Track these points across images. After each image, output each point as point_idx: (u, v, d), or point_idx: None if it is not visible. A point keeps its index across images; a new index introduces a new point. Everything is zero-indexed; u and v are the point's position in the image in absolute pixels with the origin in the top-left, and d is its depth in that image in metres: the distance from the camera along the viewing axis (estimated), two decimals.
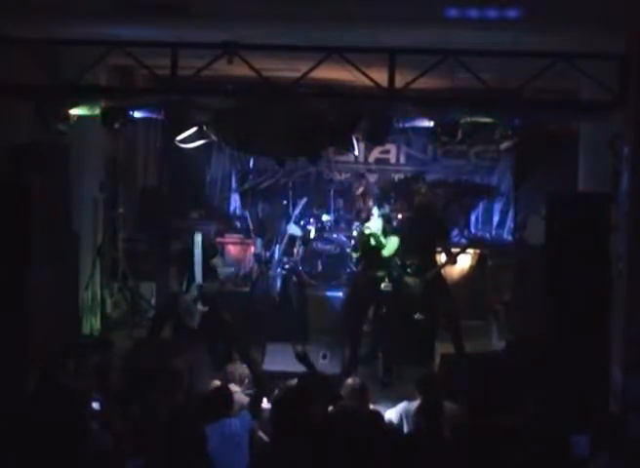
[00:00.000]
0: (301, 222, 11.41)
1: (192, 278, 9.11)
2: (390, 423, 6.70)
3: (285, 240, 10.38)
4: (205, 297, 9.05)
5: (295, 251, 11.17)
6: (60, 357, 7.89)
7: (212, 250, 9.34)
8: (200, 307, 9.04)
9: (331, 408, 6.73)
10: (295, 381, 7.07)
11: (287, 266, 10.80)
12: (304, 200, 11.22)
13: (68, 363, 7.86)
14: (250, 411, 6.66)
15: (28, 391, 7.11)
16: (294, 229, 10.46)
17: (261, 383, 7.98)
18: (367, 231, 9.43)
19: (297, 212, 10.91)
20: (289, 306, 10.38)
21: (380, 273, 9.43)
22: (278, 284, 10.55)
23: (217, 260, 9.40)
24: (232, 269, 11.52)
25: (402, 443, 6.16)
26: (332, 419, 6.41)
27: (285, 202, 11.68)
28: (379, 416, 6.41)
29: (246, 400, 7.03)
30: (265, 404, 7.09)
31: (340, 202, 12.19)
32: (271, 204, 11.68)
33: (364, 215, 10.02)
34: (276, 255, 10.55)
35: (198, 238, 9.10)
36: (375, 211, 9.70)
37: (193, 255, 9.07)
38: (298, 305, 10.46)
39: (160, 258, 10.31)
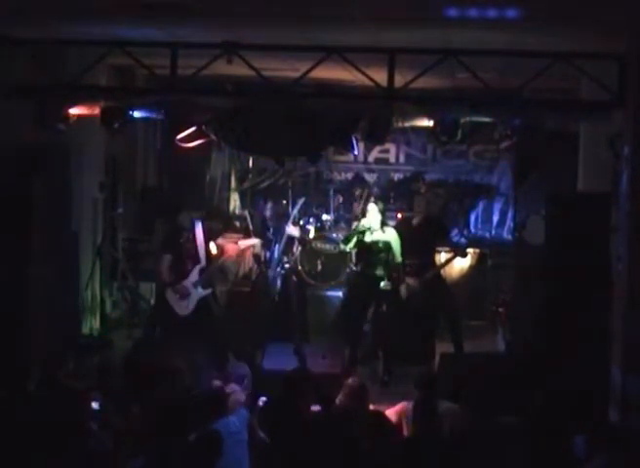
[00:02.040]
0: (301, 222, 11.40)
1: (191, 263, 9.06)
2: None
3: (283, 240, 10.37)
4: (206, 282, 9.03)
5: (294, 250, 11.16)
6: (59, 357, 7.90)
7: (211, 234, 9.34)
8: (200, 291, 9.01)
9: (318, 407, 6.73)
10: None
11: (286, 266, 10.78)
12: (302, 200, 11.23)
13: (68, 363, 7.86)
14: (247, 409, 6.67)
15: (29, 391, 7.11)
16: (291, 229, 10.45)
17: (258, 382, 7.99)
18: (363, 227, 9.46)
19: (295, 211, 10.91)
20: (288, 306, 10.36)
21: (379, 272, 9.43)
22: (278, 284, 10.54)
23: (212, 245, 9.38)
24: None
25: (403, 442, 6.17)
26: (332, 419, 6.42)
27: (285, 202, 11.68)
28: (381, 416, 6.42)
29: (243, 398, 7.04)
30: (260, 402, 7.11)
31: (340, 202, 12.19)
32: (273, 203, 11.66)
33: (361, 213, 10.05)
34: (275, 255, 10.54)
35: (198, 224, 9.10)
36: (371, 206, 9.70)
37: (194, 240, 9.04)
38: (297, 305, 10.45)
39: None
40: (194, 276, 9.02)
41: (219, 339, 9.26)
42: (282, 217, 10.43)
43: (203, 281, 9.03)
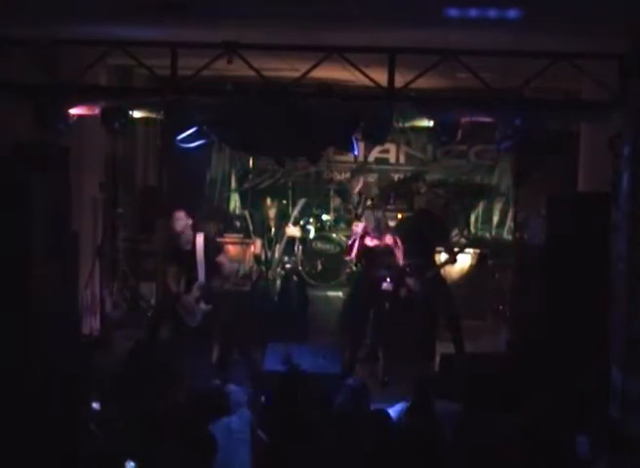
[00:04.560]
0: (301, 223, 11.39)
1: (193, 277, 9.08)
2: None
3: (284, 240, 10.38)
4: (209, 297, 9.03)
5: (294, 251, 11.16)
6: (60, 357, 7.90)
7: (215, 248, 9.32)
8: (203, 306, 9.03)
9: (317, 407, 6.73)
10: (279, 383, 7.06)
11: (287, 266, 10.77)
12: (303, 201, 11.22)
13: (68, 363, 7.86)
14: (249, 409, 6.67)
15: (28, 391, 7.11)
16: (292, 230, 10.46)
17: (259, 382, 7.99)
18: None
19: (295, 212, 10.91)
20: (289, 306, 10.37)
21: (380, 273, 9.42)
22: (278, 284, 10.54)
23: (221, 257, 9.39)
24: (237, 265, 11.51)
25: (403, 442, 6.16)
26: (332, 419, 6.42)
27: (285, 202, 11.68)
28: (383, 416, 6.41)
29: (244, 398, 7.04)
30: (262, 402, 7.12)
31: (340, 202, 12.20)
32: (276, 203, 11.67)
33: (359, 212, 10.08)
34: (276, 256, 10.55)
35: (200, 238, 9.09)
36: (367, 214, 9.70)
37: (194, 255, 9.04)
38: (298, 305, 10.45)
39: (160, 258, 10.30)
40: (195, 292, 9.02)
41: (221, 340, 9.30)
42: (283, 218, 10.43)
43: (204, 296, 9.04)
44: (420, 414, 6.39)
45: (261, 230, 10.42)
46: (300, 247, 11.17)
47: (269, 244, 10.41)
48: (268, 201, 10.47)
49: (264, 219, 10.39)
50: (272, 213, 10.28)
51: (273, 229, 10.27)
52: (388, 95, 7.72)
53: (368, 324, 9.90)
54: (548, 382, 7.60)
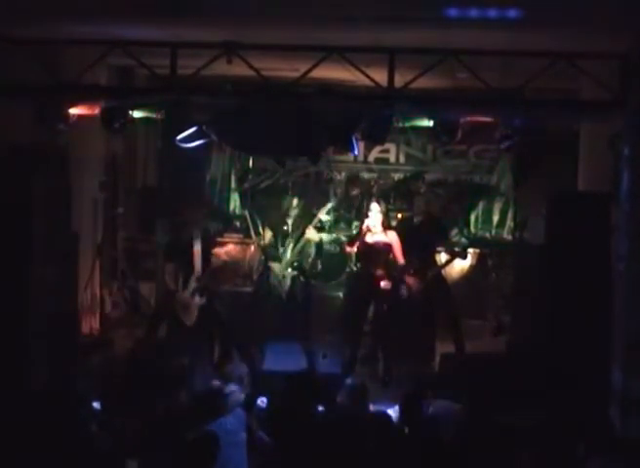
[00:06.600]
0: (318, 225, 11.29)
1: (191, 274, 9.09)
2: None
3: (302, 242, 10.38)
4: (204, 289, 9.04)
5: (310, 253, 11.10)
6: (60, 357, 7.90)
7: (210, 243, 9.35)
8: (197, 300, 9.03)
9: (321, 407, 6.74)
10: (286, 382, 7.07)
11: (295, 264, 10.74)
12: (330, 205, 11.17)
13: (68, 363, 7.87)
14: (244, 409, 6.66)
15: (29, 391, 7.11)
16: (312, 233, 10.45)
17: (257, 382, 7.99)
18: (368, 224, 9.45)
19: (321, 216, 10.85)
20: (293, 305, 10.36)
21: (380, 272, 9.41)
22: (288, 284, 10.53)
23: (217, 250, 9.42)
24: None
25: (403, 443, 6.17)
26: (331, 419, 6.42)
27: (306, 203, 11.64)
28: (385, 418, 6.41)
29: (242, 398, 7.05)
30: (260, 402, 7.10)
31: (340, 202, 12.19)
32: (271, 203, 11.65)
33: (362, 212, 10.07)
34: (288, 256, 10.54)
35: (197, 233, 9.12)
36: (373, 206, 9.67)
37: (192, 253, 9.05)
38: (303, 305, 10.45)
39: (160, 258, 10.31)
40: (191, 285, 9.04)
41: (220, 340, 9.29)
42: (305, 219, 10.43)
43: (199, 288, 9.05)
44: (407, 415, 6.40)
45: (275, 226, 10.40)
46: (314, 250, 11.12)
47: (282, 242, 10.40)
48: (295, 200, 10.49)
49: (280, 218, 10.36)
50: (294, 212, 10.27)
51: (291, 229, 10.25)
52: (388, 94, 7.72)
53: (366, 323, 9.90)
54: (548, 382, 7.60)
